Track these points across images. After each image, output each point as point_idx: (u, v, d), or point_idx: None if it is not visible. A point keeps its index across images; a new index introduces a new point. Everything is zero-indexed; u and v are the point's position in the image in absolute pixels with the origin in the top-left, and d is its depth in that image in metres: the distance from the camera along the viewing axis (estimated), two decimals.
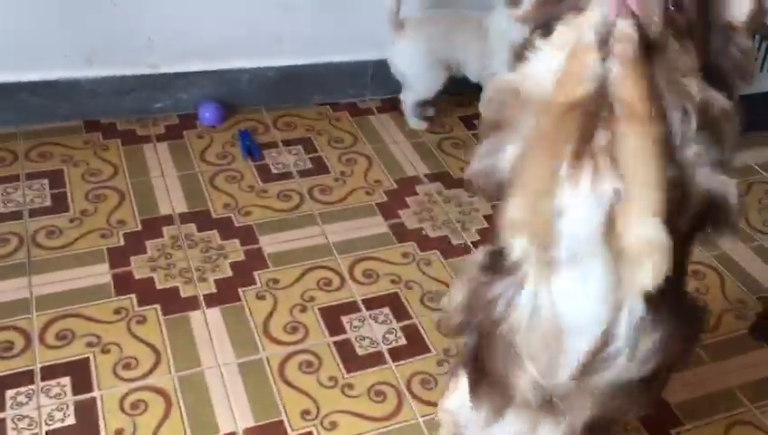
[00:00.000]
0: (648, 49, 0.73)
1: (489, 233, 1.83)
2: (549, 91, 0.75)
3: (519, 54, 0.83)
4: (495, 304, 0.84)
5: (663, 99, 0.73)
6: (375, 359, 1.50)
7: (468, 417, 1.00)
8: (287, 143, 2.07)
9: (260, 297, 1.61)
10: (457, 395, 1.05)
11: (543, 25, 0.81)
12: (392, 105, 2.25)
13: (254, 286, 1.63)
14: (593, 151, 0.73)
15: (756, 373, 1.54)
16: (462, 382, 1.03)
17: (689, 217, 0.77)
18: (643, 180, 0.72)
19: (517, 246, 0.78)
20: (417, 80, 2.10)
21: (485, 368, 0.92)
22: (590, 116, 0.73)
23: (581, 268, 0.77)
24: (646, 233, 0.72)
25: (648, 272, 0.73)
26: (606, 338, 0.79)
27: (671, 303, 0.80)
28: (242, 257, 1.70)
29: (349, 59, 2.22)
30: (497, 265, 0.85)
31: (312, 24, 2.12)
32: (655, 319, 0.79)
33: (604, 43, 0.72)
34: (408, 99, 2.14)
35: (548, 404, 0.88)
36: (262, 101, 2.18)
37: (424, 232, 1.83)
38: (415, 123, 2.18)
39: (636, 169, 0.72)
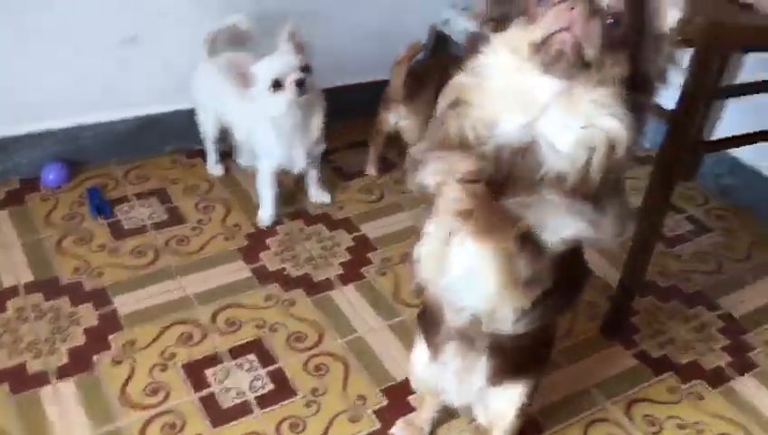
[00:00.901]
0: (583, 66, 0.82)
1: (352, 266, 1.85)
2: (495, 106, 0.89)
3: (472, 46, 0.92)
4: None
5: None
6: (242, 409, 1.46)
7: (431, 371, 1.23)
8: (140, 196, 2.01)
9: (116, 362, 1.54)
10: (419, 355, 1.27)
11: (495, 22, 0.90)
12: None
13: (109, 351, 1.56)
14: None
15: (609, 371, 1.61)
16: (420, 344, 1.27)
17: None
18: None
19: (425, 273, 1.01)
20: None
21: (427, 316, 1.21)
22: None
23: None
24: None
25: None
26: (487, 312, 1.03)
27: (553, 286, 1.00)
28: (95, 322, 1.62)
29: None
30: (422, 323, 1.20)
31: (156, 74, 2.08)
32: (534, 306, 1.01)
33: (540, 48, 0.83)
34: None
35: (466, 337, 1.14)
36: (110, 156, 2.11)
37: (286, 272, 1.81)
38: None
39: None
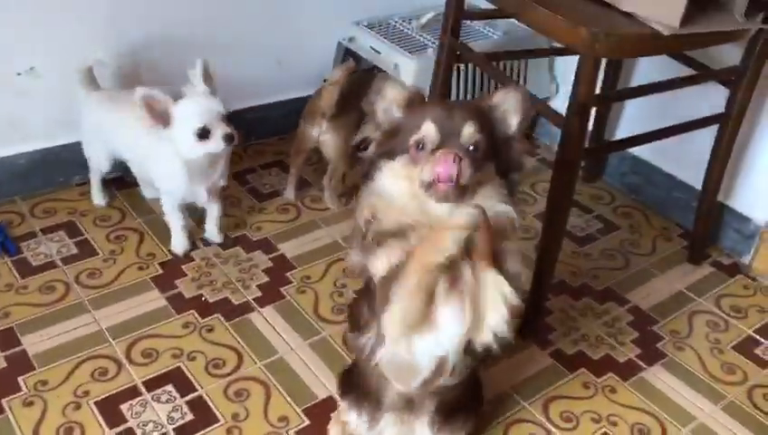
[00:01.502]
0: (463, 189, 1.06)
1: (270, 287, 1.84)
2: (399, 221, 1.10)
3: (367, 173, 1.16)
4: (363, 350, 1.22)
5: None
6: None
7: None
8: (47, 231, 1.96)
9: (27, 404, 1.49)
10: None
11: (384, 154, 1.14)
12: None
13: (19, 394, 1.51)
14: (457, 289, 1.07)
15: (525, 372, 1.66)
16: (343, 409, 1.39)
17: None
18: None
19: (390, 336, 1.11)
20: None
21: (362, 388, 1.31)
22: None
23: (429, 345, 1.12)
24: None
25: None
26: (440, 366, 1.17)
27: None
28: (3, 365, 1.57)
29: None
30: (354, 321, 1.28)
31: (59, 104, 2.03)
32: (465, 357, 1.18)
33: (429, 187, 1.07)
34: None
35: (409, 403, 1.28)
36: (14, 191, 2.05)
37: (204, 298, 1.79)
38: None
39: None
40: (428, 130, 1.09)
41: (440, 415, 1.30)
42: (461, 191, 1.07)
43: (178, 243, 1.93)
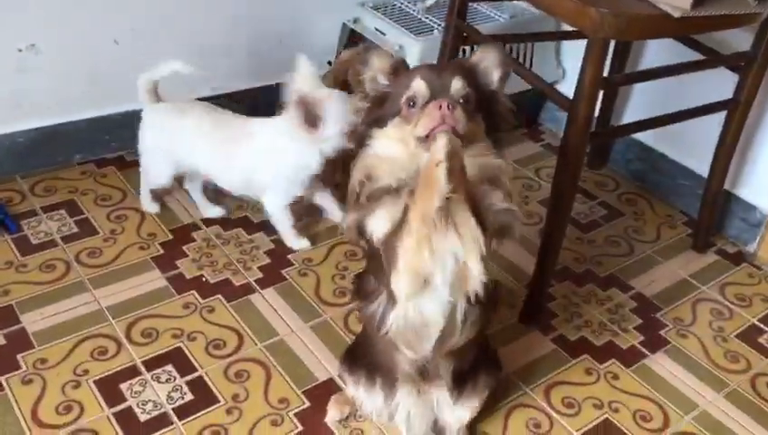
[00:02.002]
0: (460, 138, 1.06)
1: (272, 269, 1.83)
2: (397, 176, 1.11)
3: (360, 141, 1.18)
4: (373, 320, 1.21)
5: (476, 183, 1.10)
6: (160, 422, 1.43)
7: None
8: (48, 209, 1.94)
9: (26, 382, 1.48)
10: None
11: (374, 122, 1.16)
12: None
13: (18, 371, 1.50)
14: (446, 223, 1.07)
15: (528, 357, 1.65)
16: (350, 386, 1.39)
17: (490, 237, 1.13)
18: (471, 236, 1.08)
19: (403, 291, 1.12)
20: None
21: (373, 363, 1.32)
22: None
23: (439, 293, 1.14)
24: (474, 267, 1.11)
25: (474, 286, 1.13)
26: (450, 325, 1.18)
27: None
28: (2, 342, 1.56)
29: (108, 112, 2.12)
30: (361, 291, 1.25)
31: (60, 81, 2.02)
32: (471, 309, 1.18)
33: (425, 140, 1.08)
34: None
35: (424, 372, 1.28)
36: (14, 169, 2.03)
37: (204, 279, 1.78)
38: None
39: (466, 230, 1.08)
40: (419, 85, 1.11)
41: (458, 380, 1.31)
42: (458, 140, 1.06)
43: (296, 242, 1.89)
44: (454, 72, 1.12)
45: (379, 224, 1.11)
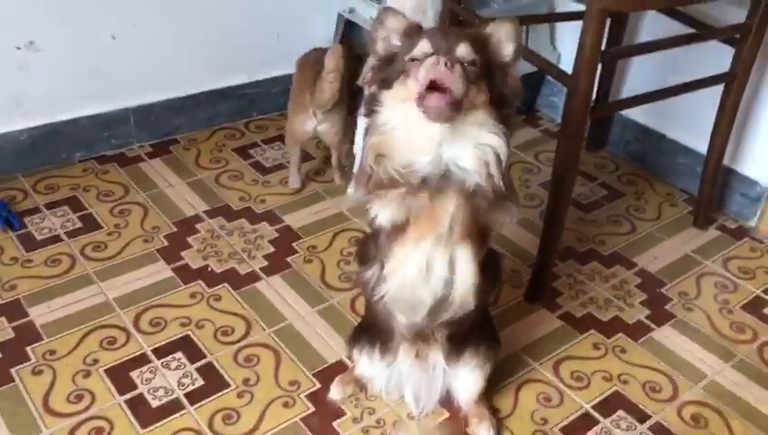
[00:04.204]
0: (456, 104, 1.05)
1: (277, 257, 1.83)
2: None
3: (369, 107, 1.15)
4: (369, 284, 1.25)
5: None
6: (172, 407, 1.43)
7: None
8: (51, 206, 1.94)
9: (36, 373, 1.48)
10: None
11: (381, 83, 1.14)
12: (163, 149, 2.20)
13: (28, 363, 1.50)
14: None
15: (535, 334, 1.65)
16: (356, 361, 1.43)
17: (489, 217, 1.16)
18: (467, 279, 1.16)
19: (392, 282, 1.18)
20: None
21: (373, 327, 1.36)
22: None
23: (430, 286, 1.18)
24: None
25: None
26: (443, 302, 1.20)
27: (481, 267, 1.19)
28: (10, 335, 1.56)
29: (107, 109, 2.13)
30: (362, 255, 1.31)
31: (60, 79, 2.02)
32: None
33: (422, 99, 1.05)
34: None
35: (420, 334, 1.31)
36: (17, 168, 2.04)
37: (210, 269, 1.79)
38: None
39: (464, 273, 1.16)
40: (423, 45, 1.09)
41: (453, 347, 1.33)
42: (454, 107, 1.05)
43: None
44: (462, 38, 1.10)
45: (382, 215, 1.14)
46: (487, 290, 1.28)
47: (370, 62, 1.19)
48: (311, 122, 1.96)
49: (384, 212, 1.13)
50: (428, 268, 1.15)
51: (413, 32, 1.15)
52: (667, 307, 1.76)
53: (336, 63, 1.85)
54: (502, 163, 1.11)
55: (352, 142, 2.06)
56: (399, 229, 1.14)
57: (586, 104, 1.50)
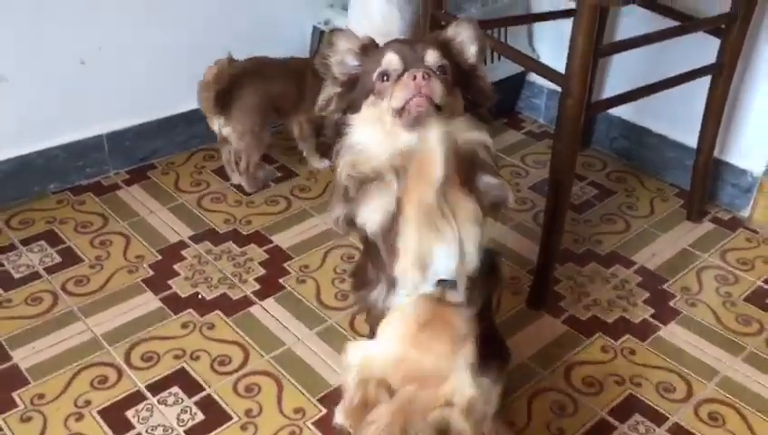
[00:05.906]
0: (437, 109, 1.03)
1: (269, 279, 1.77)
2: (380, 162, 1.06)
3: (337, 129, 1.11)
4: (375, 305, 1.17)
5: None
6: None
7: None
8: (27, 242, 1.86)
9: (25, 420, 1.40)
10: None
11: (347, 108, 1.11)
12: (141, 175, 2.12)
13: (15, 410, 1.42)
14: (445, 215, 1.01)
15: (541, 341, 1.61)
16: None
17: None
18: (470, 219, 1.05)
19: (410, 279, 1.04)
20: None
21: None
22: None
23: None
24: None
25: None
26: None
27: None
28: None
29: (79, 137, 2.05)
30: (361, 283, 1.22)
31: (31, 109, 1.94)
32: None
33: (401, 112, 1.04)
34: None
35: None
36: None
37: (200, 296, 1.71)
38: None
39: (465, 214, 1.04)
40: (390, 59, 1.06)
41: None
42: (434, 111, 1.03)
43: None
44: (428, 44, 1.07)
45: (370, 216, 1.07)
46: (487, 294, 1.22)
47: (328, 89, 1.13)
48: (216, 126, 2.01)
49: (369, 209, 1.07)
50: (437, 234, 1.04)
51: (370, 48, 1.11)
52: (670, 304, 1.73)
53: (211, 76, 1.92)
54: (491, 150, 1.10)
55: (261, 149, 2.04)
56: (394, 218, 1.05)
57: (581, 104, 1.47)
